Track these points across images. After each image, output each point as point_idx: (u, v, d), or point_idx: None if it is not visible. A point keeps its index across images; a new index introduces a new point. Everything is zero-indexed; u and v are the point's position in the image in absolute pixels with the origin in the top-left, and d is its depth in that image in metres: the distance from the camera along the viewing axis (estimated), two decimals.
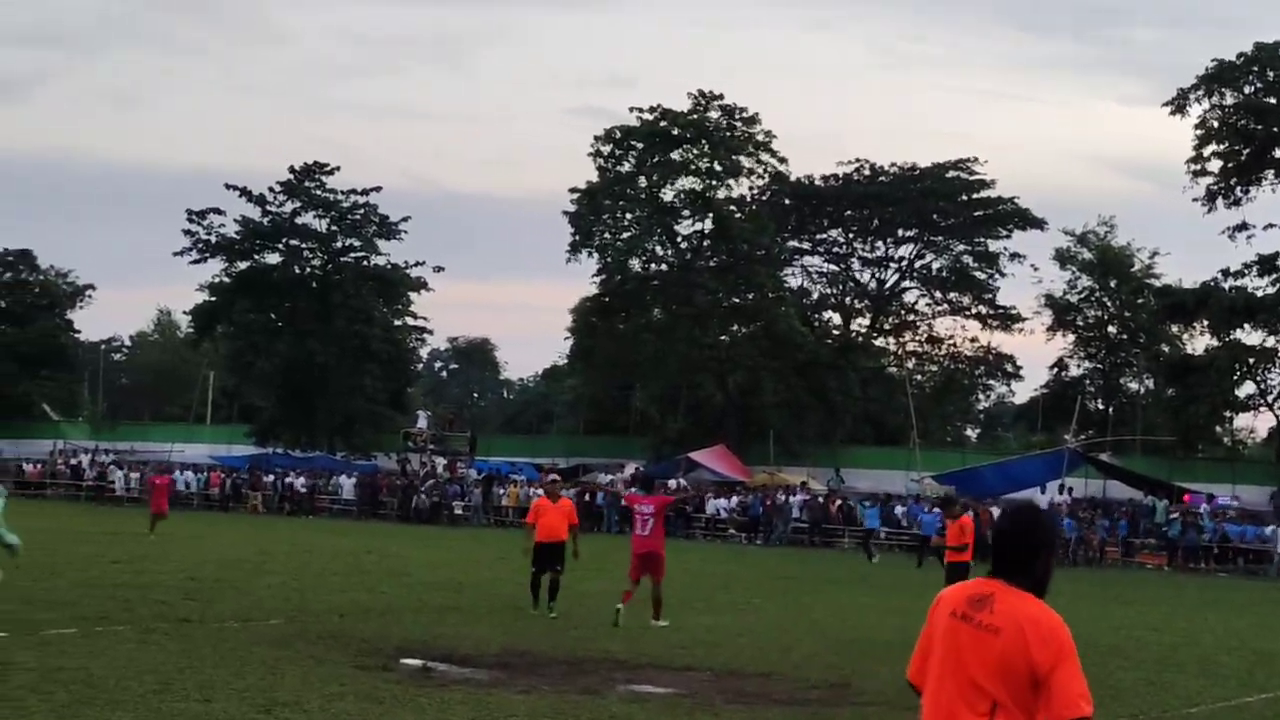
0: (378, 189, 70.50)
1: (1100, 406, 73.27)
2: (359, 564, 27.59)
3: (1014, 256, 72.21)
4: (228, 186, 69.60)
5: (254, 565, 25.85)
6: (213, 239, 69.71)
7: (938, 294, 75.90)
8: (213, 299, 70.85)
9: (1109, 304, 70.59)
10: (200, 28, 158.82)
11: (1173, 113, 57.75)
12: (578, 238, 65.99)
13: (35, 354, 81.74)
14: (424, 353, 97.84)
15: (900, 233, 74.10)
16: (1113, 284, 69.15)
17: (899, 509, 49.28)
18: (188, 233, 69.54)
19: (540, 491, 30.02)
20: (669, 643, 16.43)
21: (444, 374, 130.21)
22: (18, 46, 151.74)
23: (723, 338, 66.73)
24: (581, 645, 15.79)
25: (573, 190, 66.34)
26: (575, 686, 12.58)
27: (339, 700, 10.91)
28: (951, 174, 70.77)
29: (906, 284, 76.26)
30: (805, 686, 13.55)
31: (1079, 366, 73.41)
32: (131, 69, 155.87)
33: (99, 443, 73.28)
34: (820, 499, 51.48)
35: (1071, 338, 71.85)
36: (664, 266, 68.17)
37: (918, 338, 77.90)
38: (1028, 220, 71.11)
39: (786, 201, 72.31)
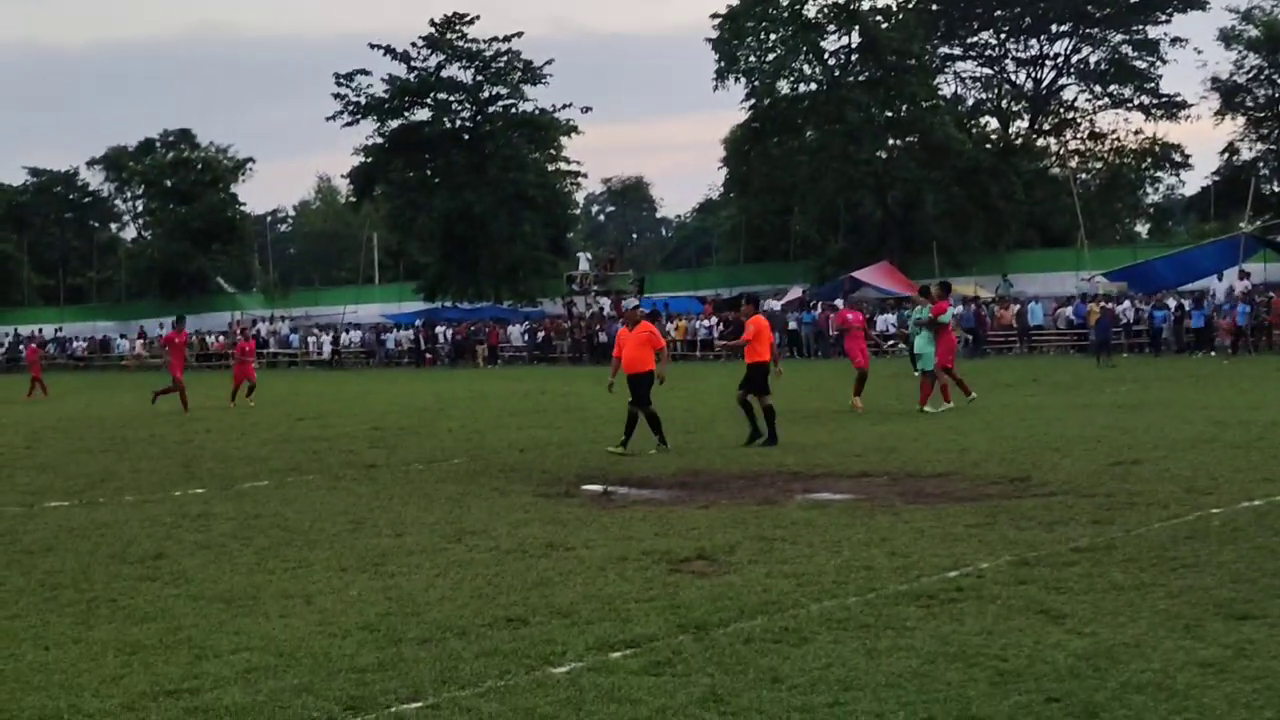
0: (519, 34, 70.02)
1: (1276, 189, 68.17)
2: (536, 404, 28.06)
3: (1175, 41, 68.96)
4: (372, 46, 69.82)
5: (434, 412, 26.88)
6: (362, 100, 70.55)
7: (1097, 88, 72.43)
8: (368, 160, 72.03)
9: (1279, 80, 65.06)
10: None
11: None
12: (723, 64, 65.16)
13: (206, 229, 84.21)
14: (580, 197, 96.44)
15: (1054, 28, 71.17)
16: None
17: (1069, 310, 48.66)
18: (337, 96, 70.47)
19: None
20: (843, 452, 16.59)
21: (601, 217, 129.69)
22: None
23: (879, 153, 65.25)
24: (756, 461, 16.00)
25: (714, 16, 65.27)
26: (754, 498, 12.83)
27: (525, 526, 11.39)
28: None
29: (1064, 81, 72.83)
30: (985, 482, 13.39)
31: (1251, 149, 69.14)
32: None
33: (274, 311, 76.03)
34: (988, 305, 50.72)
35: (1241, 121, 68.10)
36: (812, 86, 66.42)
37: (1079, 135, 74.48)
38: (1188, 1, 66.73)
39: (934, 7, 69.54)
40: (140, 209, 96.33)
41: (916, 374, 23.63)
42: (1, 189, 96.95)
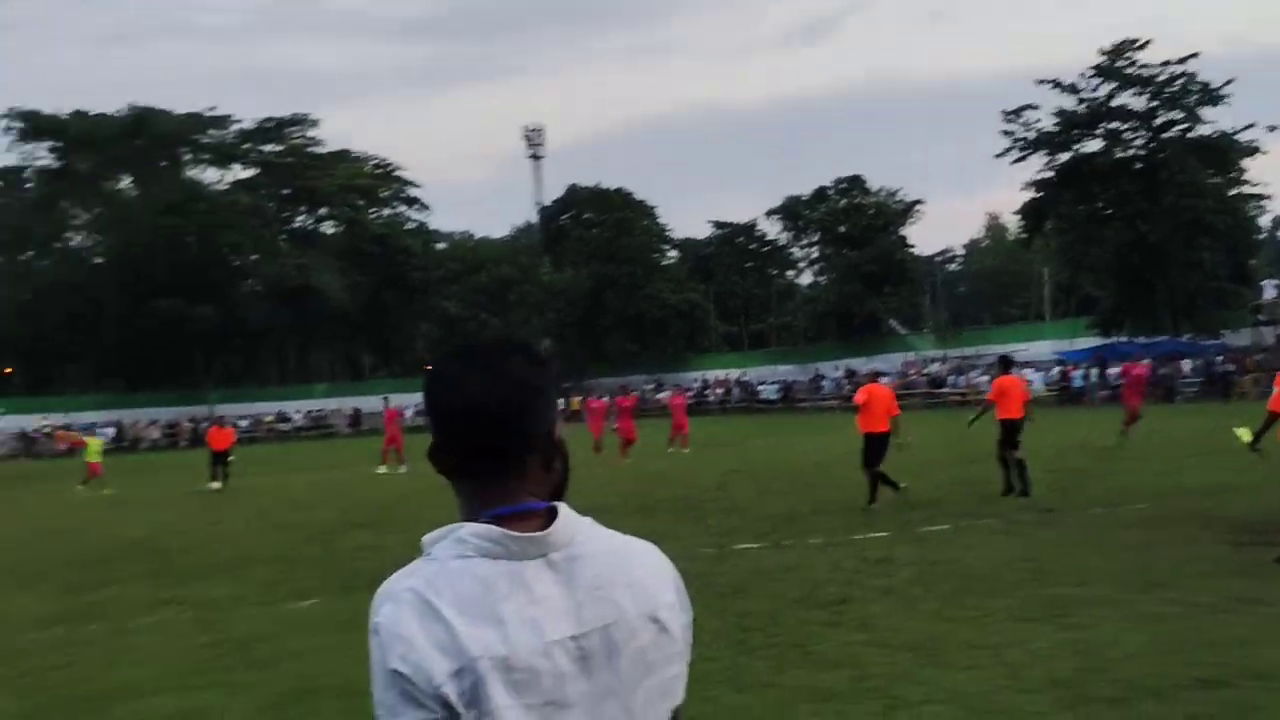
0: (1194, 55, 65.97)
1: None
2: (1213, 445, 24.89)
3: None
4: (1039, 81, 68.91)
5: (1109, 453, 25.43)
6: (1031, 135, 69.56)
7: None
8: (1038, 195, 71.03)
9: None
10: None
11: None
12: None
13: (876, 272, 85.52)
14: (1264, 221, 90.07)
15: None
16: None
17: None
18: (1006, 133, 70.06)
19: None
20: None
21: None
22: None
23: None
24: None
25: None
26: None
27: (1217, 578, 10.82)
28: None
29: None
30: None
31: None
32: None
33: (946, 351, 76.08)
34: None
35: None
36: None
37: None
38: None
39: None
40: (815, 255, 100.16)
41: None
42: (690, 242, 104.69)
